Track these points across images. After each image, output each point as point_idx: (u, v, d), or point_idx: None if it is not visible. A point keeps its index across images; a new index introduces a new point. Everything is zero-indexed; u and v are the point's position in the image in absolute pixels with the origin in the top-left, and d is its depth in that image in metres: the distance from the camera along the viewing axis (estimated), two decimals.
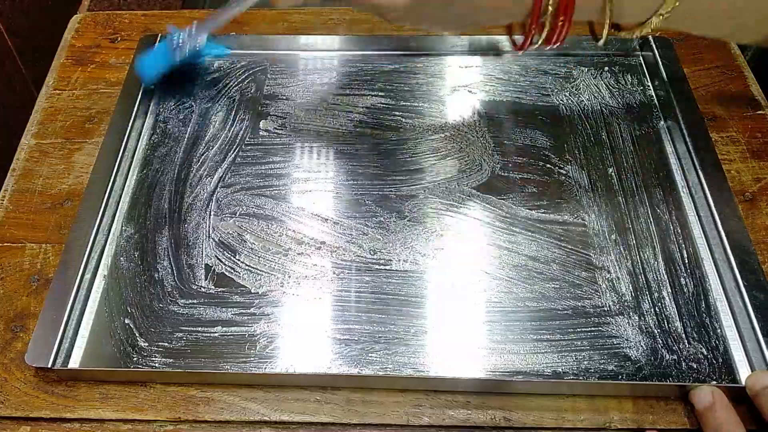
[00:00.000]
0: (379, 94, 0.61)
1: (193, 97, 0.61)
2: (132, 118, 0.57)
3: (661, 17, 0.45)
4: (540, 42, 0.47)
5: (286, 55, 0.64)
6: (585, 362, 0.44)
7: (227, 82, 0.62)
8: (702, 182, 0.52)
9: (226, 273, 0.49)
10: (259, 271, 0.49)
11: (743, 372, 0.44)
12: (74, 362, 0.45)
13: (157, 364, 0.44)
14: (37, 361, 0.43)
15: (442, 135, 0.58)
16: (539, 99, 0.60)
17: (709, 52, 0.64)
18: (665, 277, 0.48)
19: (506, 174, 0.55)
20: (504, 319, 0.46)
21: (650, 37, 0.62)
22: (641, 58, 0.63)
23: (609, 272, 0.49)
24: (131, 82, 0.61)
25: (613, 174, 0.54)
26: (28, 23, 0.83)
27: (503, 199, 0.53)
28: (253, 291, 0.48)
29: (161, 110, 0.60)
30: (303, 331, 0.46)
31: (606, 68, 0.62)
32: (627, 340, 0.45)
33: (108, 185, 0.53)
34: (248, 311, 0.47)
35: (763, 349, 0.43)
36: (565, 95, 0.60)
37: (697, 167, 0.53)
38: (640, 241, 0.50)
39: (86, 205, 0.51)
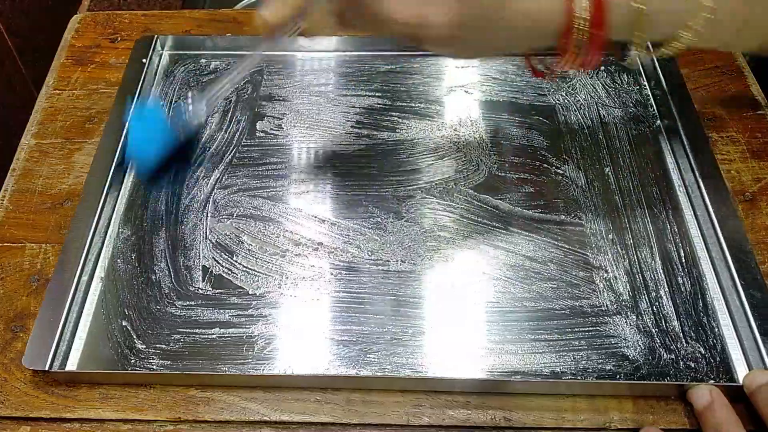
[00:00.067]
0: (376, 94, 0.61)
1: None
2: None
3: (692, 31, 0.43)
4: (573, 63, 0.44)
5: (283, 56, 0.64)
6: (583, 362, 0.44)
7: None
8: (699, 181, 0.52)
9: (224, 275, 0.49)
10: (256, 273, 0.49)
11: (741, 371, 0.44)
12: (72, 365, 0.45)
13: (154, 366, 0.44)
14: (35, 364, 0.43)
15: (439, 135, 0.58)
16: (536, 99, 0.60)
17: (709, 52, 0.63)
18: (662, 276, 0.48)
19: (503, 174, 0.55)
20: (502, 319, 0.46)
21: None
22: (638, 57, 0.63)
23: (606, 272, 0.49)
24: (128, 82, 0.61)
25: (610, 173, 0.54)
26: (28, 23, 0.83)
27: (500, 199, 0.53)
28: (250, 292, 0.48)
29: None
30: (301, 332, 0.46)
31: (602, 68, 0.62)
32: (625, 339, 0.45)
33: (105, 187, 0.53)
34: (246, 313, 0.47)
35: (760, 348, 0.43)
36: (562, 95, 0.60)
37: (694, 166, 0.53)
38: (637, 241, 0.50)
39: (83, 207, 0.51)
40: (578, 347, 0.45)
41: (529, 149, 0.56)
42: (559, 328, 0.46)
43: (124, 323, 0.47)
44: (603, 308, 0.47)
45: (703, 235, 0.50)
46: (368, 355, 0.45)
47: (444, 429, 0.43)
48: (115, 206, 0.53)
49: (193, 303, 0.48)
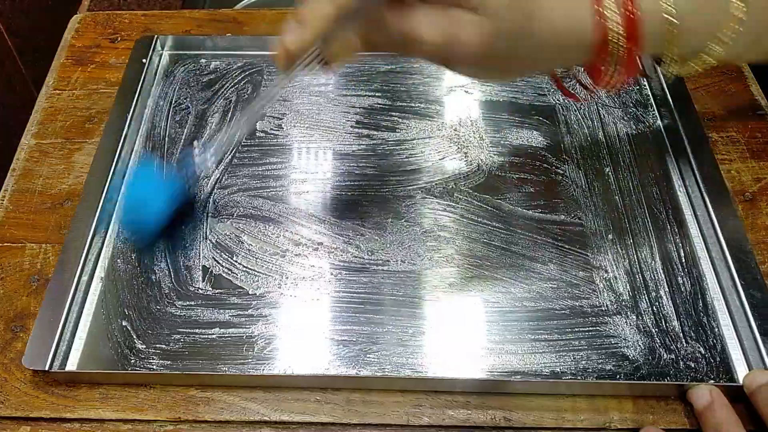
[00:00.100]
0: (376, 94, 0.61)
1: (189, 100, 0.61)
2: (128, 120, 0.57)
3: (721, 44, 0.42)
4: (608, 82, 0.42)
5: None
6: (583, 362, 0.44)
7: (224, 83, 0.62)
8: (699, 181, 0.52)
9: (224, 275, 0.49)
10: (256, 273, 0.49)
11: (741, 371, 0.44)
12: (72, 365, 0.45)
13: (154, 366, 0.44)
14: (35, 364, 0.43)
15: (439, 135, 0.58)
16: (536, 99, 0.60)
17: None
18: (662, 276, 0.48)
19: (503, 174, 0.55)
20: (502, 319, 0.46)
21: None
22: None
23: (606, 272, 0.49)
24: (128, 82, 0.61)
25: (610, 173, 0.54)
26: (28, 23, 0.83)
27: (500, 199, 0.53)
28: (250, 292, 0.48)
29: (157, 112, 0.60)
30: (301, 332, 0.46)
31: None
32: (625, 339, 0.45)
33: (105, 187, 0.53)
34: (246, 313, 0.47)
35: (760, 348, 0.43)
36: (562, 95, 0.60)
37: (694, 166, 0.53)
38: (637, 241, 0.50)
39: (83, 207, 0.51)
40: (578, 347, 0.45)
41: (528, 149, 0.56)
42: (559, 328, 0.46)
43: (124, 323, 0.47)
44: (603, 308, 0.47)
45: (703, 235, 0.50)
46: (368, 355, 0.45)
47: (444, 429, 0.43)
48: (115, 206, 0.53)
49: (193, 303, 0.48)
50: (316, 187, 0.54)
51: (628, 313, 0.47)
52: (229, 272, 0.49)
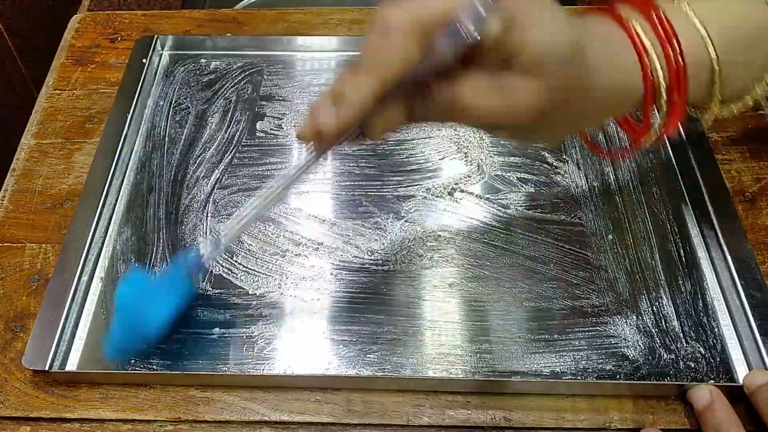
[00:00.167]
0: None
1: (189, 100, 0.61)
2: (128, 120, 0.57)
3: (763, 85, 0.41)
4: (652, 136, 0.42)
5: (283, 56, 0.64)
6: (583, 362, 0.44)
7: (224, 83, 0.62)
8: (699, 181, 0.52)
9: (224, 275, 0.49)
10: (256, 273, 0.49)
11: (741, 371, 0.44)
12: (72, 365, 0.45)
13: (155, 366, 0.44)
14: (35, 364, 0.43)
15: (439, 135, 0.58)
16: None
17: None
18: (662, 276, 0.48)
19: (503, 174, 0.55)
20: (502, 319, 0.46)
21: None
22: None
23: (606, 272, 0.49)
24: (128, 82, 0.61)
25: (609, 173, 0.54)
26: (28, 23, 0.83)
27: (500, 199, 0.53)
28: (250, 292, 0.48)
29: (158, 112, 0.60)
30: (301, 332, 0.46)
31: None
32: (625, 339, 0.45)
33: (105, 187, 0.53)
34: (246, 313, 0.47)
35: (760, 348, 0.44)
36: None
37: (694, 166, 0.53)
38: (637, 241, 0.50)
39: (83, 207, 0.51)
40: (578, 347, 0.45)
41: (529, 149, 0.56)
42: (559, 328, 0.46)
43: None
44: (603, 308, 0.47)
45: (703, 235, 0.50)
46: (368, 355, 0.45)
47: (444, 429, 0.43)
48: (115, 206, 0.53)
49: (193, 303, 0.48)
50: (316, 188, 0.54)
51: (628, 313, 0.47)
52: (230, 272, 0.49)
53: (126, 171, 0.55)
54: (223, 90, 0.62)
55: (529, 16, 0.32)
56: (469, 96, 0.34)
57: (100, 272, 0.49)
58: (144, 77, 0.61)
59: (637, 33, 0.38)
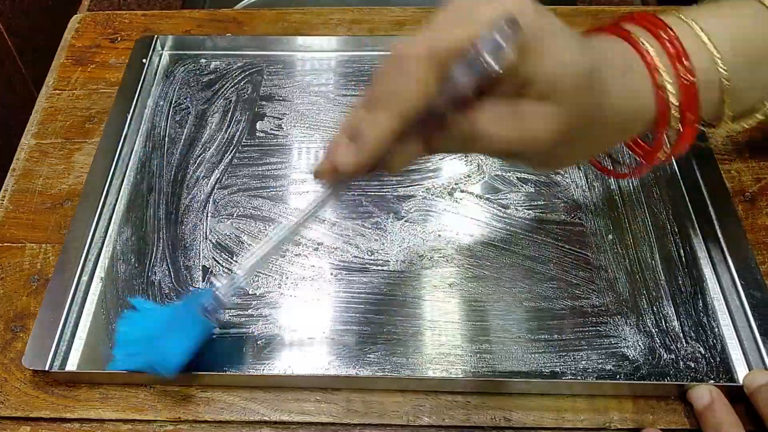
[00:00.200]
0: None
1: (189, 100, 0.61)
2: (128, 120, 0.57)
3: None
4: (665, 153, 0.41)
5: (283, 56, 0.64)
6: (583, 362, 0.44)
7: (224, 83, 0.62)
8: (699, 181, 0.52)
9: (224, 275, 0.49)
10: (256, 273, 0.49)
11: (741, 371, 0.44)
12: (72, 365, 0.45)
13: None
14: (35, 364, 0.43)
15: None
16: None
17: None
18: (663, 276, 0.48)
19: (503, 174, 0.55)
20: (502, 319, 0.46)
21: None
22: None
23: (606, 272, 0.49)
24: (128, 82, 0.61)
25: None
26: (28, 23, 0.83)
27: (500, 199, 0.53)
28: (250, 292, 0.48)
29: (158, 112, 0.60)
30: (301, 332, 0.46)
31: None
32: (625, 339, 0.45)
33: (105, 187, 0.53)
34: (246, 312, 0.47)
35: (760, 348, 0.44)
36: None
37: (694, 166, 0.53)
38: (637, 241, 0.50)
39: (83, 207, 0.51)
40: (578, 347, 0.45)
41: None
42: (559, 328, 0.46)
43: None
44: (603, 308, 0.47)
45: (703, 235, 0.50)
46: (368, 355, 0.45)
47: (444, 429, 0.43)
48: (115, 206, 0.53)
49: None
50: (316, 188, 0.54)
51: (629, 313, 0.47)
52: (229, 272, 0.49)
53: (126, 171, 0.55)
54: (223, 90, 0.62)
55: (542, 41, 0.32)
56: (485, 126, 0.33)
57: (100, 272, 0.49)
58: (144, 77, 0.61)
59: (647, 52, 0.37)
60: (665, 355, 0.44)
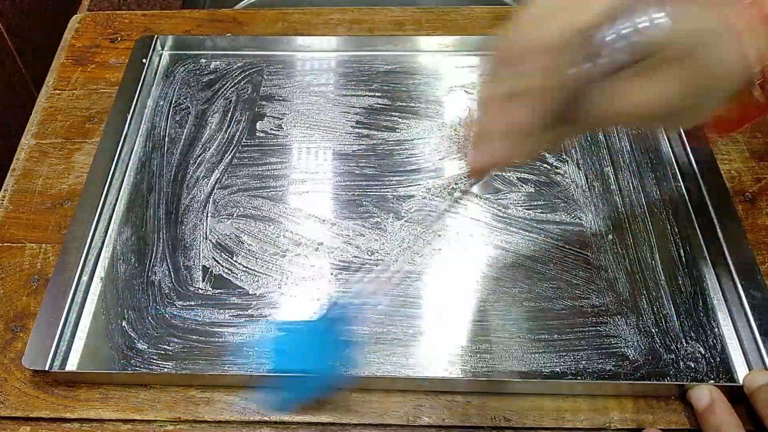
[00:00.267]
0: (376, 94, 0.61)
1: (189, 100, 0.61)
2: (128, 120, 0.57)
3: None
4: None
5: (283, 56, 0.64)
6: (583, 362, 0.44)
7: (224, 83, 0.62)
8: (699, 181, 0.52)
9: (224, 275, 0.49)
10: (256, 273, 0.49)
11: (741, 371, 0.44)
12: (72, 365, 0.45)
13: (154, 367, 0.44)
14: (35, 364, 0.43)
15: (439, 135, 0.58)
16: None
17: None
18: (663, 276, 0.48)
19: (503, 174, 0.55)
20: (502, 319, 0.46)
21: None
22: None
23: (606, 272, 0.49)
24: (128, 82, 0.61)
25: (609, 173, 0.54)
26: (28, 23, 0.83)
27: (500, 199, 0.53)
28: (250, 292, 0.48)
29: (158, 112, 0.60)
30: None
31: None
32: (625, 339, 0.45)
33: (105, 187, 0.53)
34: (246, 313, 0.47)
35: (760, 348, 0.44)
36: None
37: (694, 166, 0.53)
38: (637, 241, 0.50)
39: (83, 207, 0.51)
40: (578, 347, 0.45)
41: None
42: (559, 328, 0.46)
43: (124, 323, 0.47)
44: (603, 308, 0.47)
45: (703, 235, 0.50)
46: (369, 355, 0.45)
47: (444, 429, 0.43)
48: (115, 206, 0.53)
49: (193, 303, 0.48)
50: (316, 187, 0.54)
51: (629, 313, 0.47)
52: (229, 272, 0.49)
53: (126, 171, 0.55)
54: (223, 90, 0.62)
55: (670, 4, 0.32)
56: (630, 95, 0.33)
57: (100, 272, 0.49)
58: (144, 77, 0.61)
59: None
60: (665, 355, 0.44)
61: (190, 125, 0.59)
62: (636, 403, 0.43)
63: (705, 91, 0.36)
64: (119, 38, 0.67)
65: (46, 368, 0.43)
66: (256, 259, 0.50)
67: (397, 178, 0.55)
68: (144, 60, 0.62)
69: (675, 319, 0.46)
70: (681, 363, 0.44)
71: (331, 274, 0.49)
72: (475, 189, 0.38)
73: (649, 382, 0.43)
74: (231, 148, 0.57)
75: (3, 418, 0.43)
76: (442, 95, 0.61)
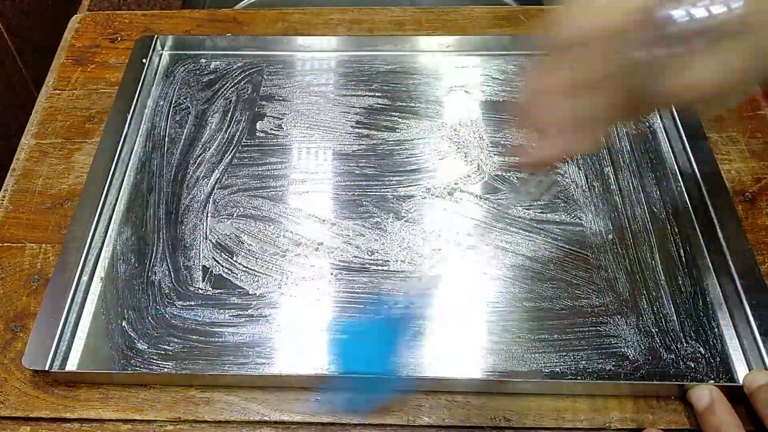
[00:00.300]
0: (376, 94, 0.61)
1: (189, 100, 0.61)
2: (128, 120, 0.57)
3: None
4: None
5: (283, 56, 0.64)
6: (583, 362, 0.44)
7: (224, 83, 0.62)
8: (699, 181, 0.52)
9: (224, 275, 0.49)
10: (256, 273, 0.49)
11: (741, 371, 0.44)
12: (72, 365, 0.45)
13: (154, 367, 0.44)
14: (35, 364, 0.43)
15: (439, 135, 0.58)
16: None
17: None
18: (663, 276, 0.48)
19: (503, 174, 0.55)
20: (502, 319, 0.46)
21: None
22: None
23: (606, 272, 0.49)
24: (128, 82, 0.61)
25: (609, 173, 0.54)
26: (28, 23, 0.83)
27: (500, 199, 0.53)
28: (250, 292, 0.48)
29: (158, 112, 0.60)
30: (301, 332, 0.46)
31: None
32: (625, 339, 0.45)
33: (105, 187, 0.53)
34: (246, 313, 0.47)
35: (760, 348, 0.43)
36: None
37: (694, 166, 0.53)
38: (637, 241, 0.50)
39: (83, 207, 0.51)
40: (578, 347, 0.45)
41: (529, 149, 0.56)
42: (559, 328, 0.46)
43: (124, 323, 0.47)
44: (603, 308, 0.47)
45: (703, 235, 0.50)
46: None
47: (444, 429, 0.43)
48: (115, 206, 0.53)
49: (193, 303, 0.48)
50: (316, 187, 0.54)
51: (629, 313, 0.47)
52: (229, 272, 0.49)
53: (126, 171, 0.55)
54: (223, 90, 0.62)
55: None
56: (697, 73, 0.32)
57: (100, 272, 0.49)
58: (144, 77, 0.61)
59: None
60: (665, 355, 0.44)
61: (190, 125, 0.59)
62: (636, 403, 0.43)
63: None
64: (119, 38, 0.67)
65: (46, 368, 0.43)
66: (256, 259, 0.50)
67: (397, 178, 0.55)
68: (144, 60, 0.62)
69: (675, 319, 0.46)
70: (681, 363, 0.44)
71: (331, 274, 0.49)
72: (544, 195, 0.38)
73: (649, 382, 0.43)
74: (231, 148, 0.57)
75: (3, 418, 0.43)
76: (442, 95, 0.61)
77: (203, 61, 0.64)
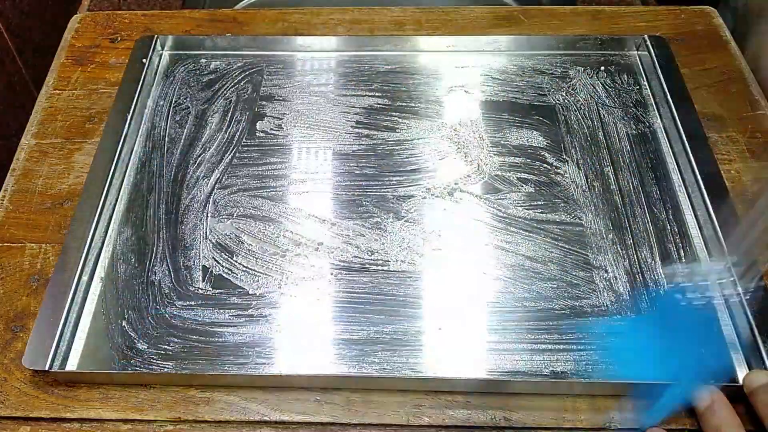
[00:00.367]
0: (376, 94, 0.61)
1: (189, 100, 0.61)
2: (128, 120, 0.57)
3: None
4: None
5: (283, 56, 0.64)
6: (583, 362, 0.44)
7: (224, 83, 0.62)
8: (699, 181, 0.52)
9: (224, 275, 0.49)
10: (256, 273, 0.49)
11: (741, 371, 0.44)
12: (72, 365, 0.45)
13: (155, 367, 0.44)
14: (35, 364, 0.43)
15: (439, 135, 0.58)
16: (536, 99, 0.60)
17: (710, 52, 0.64)
18: (662, 276, 0.48)
19: (503, 174, 0.55)
20: (502, 319, 0.46)
21: (646, 36, 0.62)
22: (637, 58, 0.63)
23: (606, 272, 0.49)
24: (128, 82, 0.61)
25: (609, 173, 0.54)
26: (28, 23, 0.83)
27: (500, 199, 0.53)
28: (250, 292, 0.48)
29: (157, 112, 0.60)
30: (301, 332, 0.46)
31: (602, 68, 0.62)
32: None
33: (105, 187, 0.53)
34: (246, 313, 0.47)
35: (760, 349, 0.44)
36: (562, 95, 0.60)
37: (694, 166, 0.53)
38: (637, 241, 0.50)
39: (83, 207, 0.51)
40: (578, 347, 0.45)
41: (528, 149, 0.56)
42: (559, 328, 0.46)
43: (124, 323, 0.47)
44: (603, 308, 0.47)
45: (702, 235, 0.50)
46: (369, 355, 0.45)
47: (444, 429, 0.43)
48: (115, 206, 0.53)
49: (193, 303, 0.48)
50: (316, 187, 0.54)
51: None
52: (229, 272, 0.49)
53: (126, 171, 0.55)
54: (223, 90, 0.62)
55: None
56: None
57: (100, 272, 0.49)
58: (144, 77, 0.61)
59: None
60: None
61: (190, 125, 0.59)
62: (636, 403, 0.43)
63: None
64: (119, 38, 0.67)
65: (46, 368, 0.43)
66: (256, 259, 0.50)
67: (397, 178, 0.55)
68: (144, 60, 0.62)
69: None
70: None
71: (331, 274, 0.49)
72: None
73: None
74: (231, 148, 0.57)
75: (3, 418, 0.43)
76: (442, 95, 0.61)
77: (203, 61, 0.64)
